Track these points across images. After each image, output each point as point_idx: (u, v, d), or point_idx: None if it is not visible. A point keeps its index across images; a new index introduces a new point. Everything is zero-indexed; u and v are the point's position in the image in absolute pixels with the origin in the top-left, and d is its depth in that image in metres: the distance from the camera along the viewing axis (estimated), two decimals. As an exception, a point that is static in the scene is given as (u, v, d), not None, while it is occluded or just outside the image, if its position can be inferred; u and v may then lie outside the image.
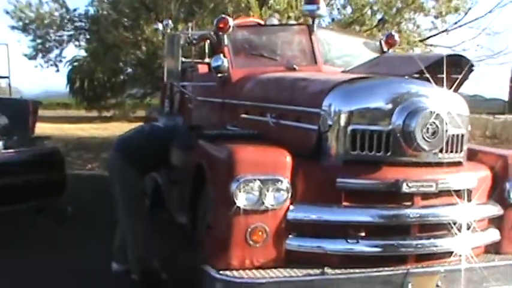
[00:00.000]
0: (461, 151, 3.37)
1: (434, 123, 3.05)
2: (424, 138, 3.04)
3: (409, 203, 3.14)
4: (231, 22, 4.56)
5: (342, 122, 3.16)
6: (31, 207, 5.68)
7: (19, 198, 5.48)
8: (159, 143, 4.10)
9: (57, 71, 12.35)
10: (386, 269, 3.03)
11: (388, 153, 3.14)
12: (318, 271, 2.97)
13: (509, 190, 3.44)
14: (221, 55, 4.43)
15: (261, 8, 10.58)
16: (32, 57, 11.96)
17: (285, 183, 3.02)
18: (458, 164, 3.38)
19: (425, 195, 3.17)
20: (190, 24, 6.13)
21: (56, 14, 11.70)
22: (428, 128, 3.04)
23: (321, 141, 3.24)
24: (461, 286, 3.11)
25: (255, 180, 2.96)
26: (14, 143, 6.09)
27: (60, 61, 12.37)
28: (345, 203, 3.09)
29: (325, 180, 3.10)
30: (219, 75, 4.46)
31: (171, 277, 4.20)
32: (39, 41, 11.74)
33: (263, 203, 2.98)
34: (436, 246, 3.18)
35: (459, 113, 3.34)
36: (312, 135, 3.29)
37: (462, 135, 3.36)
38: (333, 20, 12.35)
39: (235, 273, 2.96)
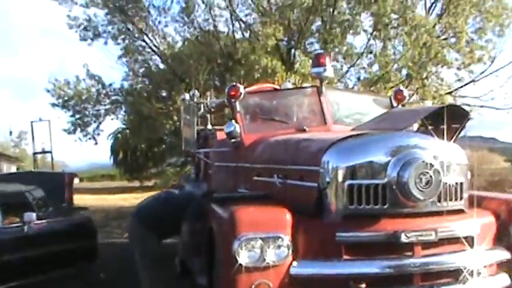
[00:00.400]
0: (461, 199, 3.43)
1: (427, 173, 3.15)
2: (418, 188, 3.15)
3: (409, 253, 3.20)
4: (242, 89, 4.85)
5: (339, 178, 3.31)
6: (65, 274, 5.94)
7: (54, 266, 5.77)
8: (176, 210, 4.31)
9: (96, 144, 13.00)
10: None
11: (386, 205, 3.25)
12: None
13: (513, 235, 3.45)
14: (233, 121, 4.69)
15: (287, 73, 11.00)
16: (71, 132, 12.65)
17: (286, 240, 3.16)
18: (460, 211, 3.44)
19: (426, 244, 3.22)
20: (208, 93, 6.46)
21: (93, 89, 12.46)
22: (421, 178, 3.15)
23: (321, 198, 3.38)
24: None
25: (256, 238, 3.11)
26: (49, 213, 6.46)
27: (98, 134, 13.00)
28: (345, 256, 3.19)
29: (325, 235, 3.23)
30: (232, 140, 4.69)
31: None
32: (77, 116, 12.47)
33: (265, 259, 3.11)
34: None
35: (456, 162, 3.44)
36: (313, 192, 3.44)
37: (461, 184, 3.43)
38: (358, 79, 12.66)
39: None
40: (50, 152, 13.81)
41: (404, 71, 11.75)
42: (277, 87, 6.14)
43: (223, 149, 5.01)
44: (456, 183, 3.40)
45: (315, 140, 3.94)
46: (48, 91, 12.29)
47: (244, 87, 4.97)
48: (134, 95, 12.62)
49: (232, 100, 4.84)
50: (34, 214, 5.69)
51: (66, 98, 12.20)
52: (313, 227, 3.28)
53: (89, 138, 12.88)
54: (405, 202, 3.22)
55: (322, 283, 3.19)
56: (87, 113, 12.58)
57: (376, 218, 3.24)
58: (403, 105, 5.62)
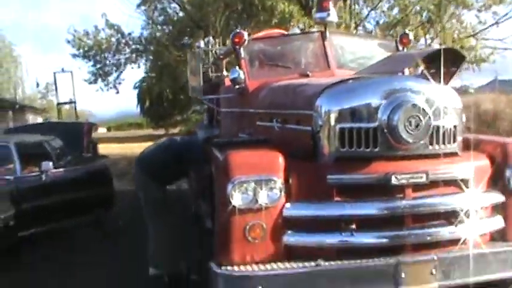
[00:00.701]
0: (454, 142, 3.43)
1: (417, 116, 3.16)
2: (407, 131, 3.16)
3: (400, 195, 3.25)
4: (246, 36, 4.85)
5: (331, 121, 3.35)
6: (82, 221, 6.24)
7: (71, 214, 6.06)
8: (176, 156, 4.44)
9: (117, 92, 13.20)
10: (377, 259, 3.15)
11: (377, 148, 3.29)
12: (313, 263, 3.16)
13: (509, 177, 3.45)
14: (237, 67, 4.72)
15: (305, 18, 10.82)
16: (92, 82, 12.89)
17: (278, 183, 3.24)
18: (453, 154, 3.45)
19: (417, 187, 3.27)
20: (210, 38, 6.42)
21: (113, 39, 12.55)
22: (411, 121, 3.16)
23: (314, 141, 3.44)
24: (456, 273, 3.18)
25: (249, 181, 3.21)
26: (67, 162, 6.72)
27: (120, 83, 13.21)
28: (336, 198, 3.27)
29: (317, 177, 3.29)
30: (237, 86, 4.74)
31: (200, 278, 4.50)
32: (98, 66, 12.64)
33: (257, 201, 3.21)
34: (431, 235, 3.28)
35: (450, 105, 3.43)
36: (307, 136, 3.50)
37: (454, 127, 3.43)
38: (377, 23, 12.38)
39: (235, 268, 3.20)
40: (74, 102, 14.09)
41: (424, 14, 11.44)
42: (286, 32, 6.08)
43: (229, 95, 5.07)
44: (449, 126, 3.40)
45: (311, 84, 3.97)
46: (68, 42, 12.45)
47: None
48: (154, 44, 12.68)
49: (237, 46, 4.86)
50: (51, 163, 5.94)
51: (86, 49, 12.33)
52: (306, 170, 3.35)
53: (110, 88, 13.09)
54: (396, 145, 3.25)
55: (314, 224, 3.28)
56: (107, 62, 12.73)
57: (367, 160, 3.28)
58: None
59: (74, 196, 6.06)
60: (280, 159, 3.31)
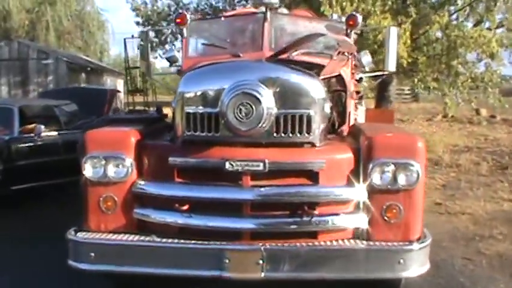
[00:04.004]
0: (309, 132, 3.29)
1: (248, 103, 3.09)
2: (237, 119, 3.11)
3: (238, 182, 3.22)
4: (188, 16, 4.92)
5: (180, 104, 3.40)
6: (72, 181, 6.80)
7: (63, 173, 6.62)
8: None
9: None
10: (204, 243, 3.19)
11: (218, 134, 3.28)
12: (146, 238, 3.30)
13: (372, 173, 3.23)
14: (173, 46, 4.86)
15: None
16: (152, 49, 13.55)
17: (127, 160, 3.39)
18: (307, 145, 3.31)
19: (258, 175, 3.21)
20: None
21: (172, 9, 13.06)
22: (241, 109, 3.10)
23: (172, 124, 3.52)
24: (286, 267, 3.11)
25: (99, 156, 3.40)
26: (77, 126, 7.31)
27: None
28: (178, 179, 3.34)
29: (161, 158, 3.39)
30: (174, 65, 4.86)
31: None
32: (156, 34, 13.28)
33: (107, 176, 3.40)
34: (267, 226, 3.23)
35: (305, 94, 3.28)
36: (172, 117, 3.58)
37: (308, 116, 3.27)
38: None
39: (86, 234, 3.42)
40: (139, 68, 14.97)
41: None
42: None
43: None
44: (301, 115, 3.26)
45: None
46: (133, 10, 13.19)
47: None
48: (210, 14, 13.01)
49: (180, 27, 4.96)
50: (43, 127, 6.54)
51: (146, 17, 12.99)
52: (154, 150, 3.46)
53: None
54: (236, 132, 3.21)
55: (161, 202, 3.39)
56: (164, 31, 13.29)
57: (208, 145, 3.29)
58: (357, 32, 5.29)
59: (65, 157, 6.60)
60: (132, 139, 3.44)
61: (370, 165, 3.23)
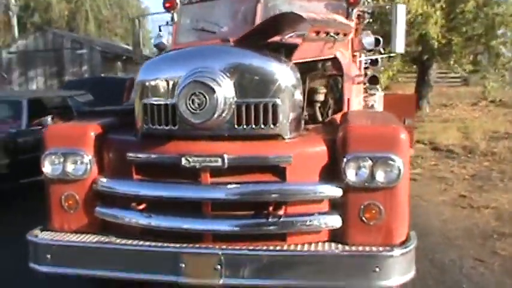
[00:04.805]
0: (275, 123, 2.96)
1: (201, 93, 2.80)
2: (190, 111, 2.83)
3: (197, 179, 2.95)
4: (178, 0, 4.68)
5: (138, 95, 3.15)
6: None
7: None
8: None
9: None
10: (159, 245, 2.96)
11: (176, 127, 3.01)
12: (104, 239, 3.11)
13: (346, 168, 2.88)
14: (161, 32, 4.61)
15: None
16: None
17: (86, 156, 3.19)
18: (275, 137, 2.99)
19: (217, 171, 2.93)
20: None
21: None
22: (193, 100, 2.81)
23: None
24: (247, 273, 2.83)
25: (57, 153, 3.22)
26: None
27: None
28: (136, 176, 3.11)
29: (120, 153, 3.16)
30: (164, 52, 4.63)
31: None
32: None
33: (66, 173, 3.21)
34: (229, 227, 2.95)
35: (266, 80, 2.95)
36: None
37: (274, 106, 2.94)
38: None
39: (45, 235, 3.27)
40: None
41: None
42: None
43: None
44: (265, 104, 2.93)
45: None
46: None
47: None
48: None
49: (170, 11, 4.73)
50: (49, 118, 6.47)
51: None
52: (112, 145, 3.24)
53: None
54: (190, 125, 2.92)
55: (118, 200, 3.17)
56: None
57: (166, 139, 3.03)
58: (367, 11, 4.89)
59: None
60: (92, 134, 3.24)
61: (344, 160, 2.88)
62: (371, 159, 2.85)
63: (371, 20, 6.39)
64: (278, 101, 2.95)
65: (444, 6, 9.83)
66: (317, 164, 2.98)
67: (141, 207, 3.05)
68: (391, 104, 6.38)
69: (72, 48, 17.93)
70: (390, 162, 2.85)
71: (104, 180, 3.21)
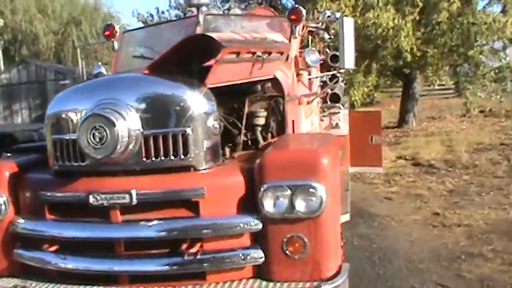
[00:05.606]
0: (186, 154, 2.79)
1: (101, 127, 2.64)
2: (91, 146, 2.66)
3: (107, 218, 2.78)
4: (117, 28, 4.56)
5: (48, 130, 3.01)
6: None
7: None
8: None
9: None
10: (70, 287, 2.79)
11: (84, 163, 2.85)
12: (20, 284, 2.93)
13: (262, 199, 2.69)
14: (99, 63, 4.50)
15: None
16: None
17: (1, 197, 3.05)
18: (187, 169, 2.81)
19: (127, 209, 2.75)
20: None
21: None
22: (94, 134, 2.65)
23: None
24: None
25: None
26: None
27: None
28: (49, 216, 2.95)
29: (33, 193, 3.02)
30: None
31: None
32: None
33: (-20, 214, 3.06)
34: (144, 267, 2.76)
35: (174, 108, 2.79)
36: None
37: (184, 135, 2.77)
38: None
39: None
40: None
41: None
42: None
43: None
44: (174, 134, 2.76)
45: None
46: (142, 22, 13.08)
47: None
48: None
49: (109, 39, 4.61)
50: (8, 154, 6.31)
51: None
52: (26, 184, 3.08)
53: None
54: (95, 160, 2.75)
55: (35, 242, 3.00)
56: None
57: (76, 176, 2.87)
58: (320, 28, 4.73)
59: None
60: (6, 173, 3.10)
61: (261, 190, 2.69)
62: (290, 188, 2.67)
63: (331, 36, 6.24)
64: (188, 130, 2.78)
65: (418, 18, 9.71)
66: (234, 196, 2.80)
67: (53, 248, 2.88)
68: (357, 122, 6.20)
69: (56, 80, 17.84)
70: (311, 190, 2.66)
71: (21, 221, 3.05)
